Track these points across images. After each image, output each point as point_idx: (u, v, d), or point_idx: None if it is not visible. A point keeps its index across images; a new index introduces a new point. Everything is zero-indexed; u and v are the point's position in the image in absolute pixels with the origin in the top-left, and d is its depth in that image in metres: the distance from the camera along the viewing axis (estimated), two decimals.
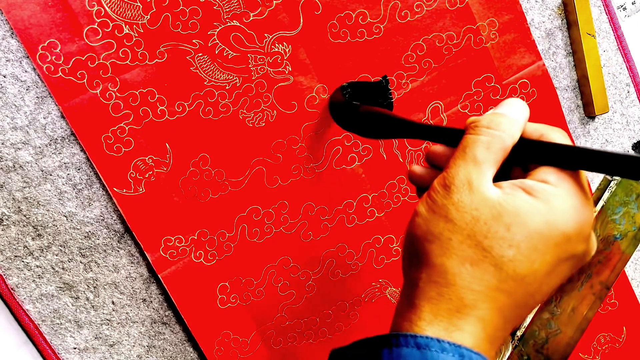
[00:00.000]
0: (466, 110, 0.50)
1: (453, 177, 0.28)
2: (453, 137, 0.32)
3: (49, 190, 0.43)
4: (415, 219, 0.28)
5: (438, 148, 0.33)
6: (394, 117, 0.38)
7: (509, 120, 0.29)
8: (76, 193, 0.43)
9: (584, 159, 0.27)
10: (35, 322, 0.44)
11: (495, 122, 0.29)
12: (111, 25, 0.42)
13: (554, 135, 0.29)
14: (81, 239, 0.44)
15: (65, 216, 0.43)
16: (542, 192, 0.26)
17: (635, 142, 0.56)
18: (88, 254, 0.44)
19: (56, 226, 0.43)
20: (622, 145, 0.56)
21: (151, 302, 0.46)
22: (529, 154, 0.29)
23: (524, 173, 0.29)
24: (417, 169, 0.35)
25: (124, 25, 0.42)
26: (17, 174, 0.42)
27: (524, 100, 0.51)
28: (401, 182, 0.50)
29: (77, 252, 0.44)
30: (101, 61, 0.42)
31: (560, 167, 0.28)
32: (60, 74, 0.41)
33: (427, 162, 0.35)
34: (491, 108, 0.50)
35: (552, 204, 0.26)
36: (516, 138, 0.29)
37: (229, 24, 0.44)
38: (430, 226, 0.27)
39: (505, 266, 0.25)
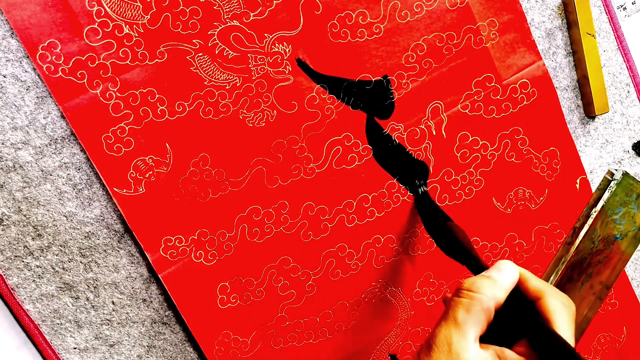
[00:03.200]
0: (466, 110, 0.50)
1: (435, 336, 0.30)
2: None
3: (49, 190, 0.43)
4: None
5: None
6: (462, 247, 0.42)
7: (491, 283, 0.31)
8: (76, 193, 0.43)
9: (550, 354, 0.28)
10: (35, 322, 0.44)
11: (476, 285, 0.31)
12: (111, 25, 0.42)
13: (552, 302, 0.31)
14: (81, 239, 0.44)
15: (65, 216, 0.43)
16: None
17: (635, 142, 0.56)
18: (88, 254, 0.44)
19: (56, 226, 0.43)
20: (622, 145, 0.56)
21: (151, 302, 0.46)
22: (512, 320, 0.31)
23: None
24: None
25: (124, 25, 0.42)
26: (17, 174, 0.42)
27: (524, 100, 0.51)
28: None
29: (77, 252, 0.44)
30: (101, 61, 0.42)
31: (532, 347, 0.30)
32: (60, 74, 0.41)
33: None
34: (491, 108, 0.50)
35: None
36: (499, 299, 0.31)
37: (229, 24, 0.44)
38: None
39: None
